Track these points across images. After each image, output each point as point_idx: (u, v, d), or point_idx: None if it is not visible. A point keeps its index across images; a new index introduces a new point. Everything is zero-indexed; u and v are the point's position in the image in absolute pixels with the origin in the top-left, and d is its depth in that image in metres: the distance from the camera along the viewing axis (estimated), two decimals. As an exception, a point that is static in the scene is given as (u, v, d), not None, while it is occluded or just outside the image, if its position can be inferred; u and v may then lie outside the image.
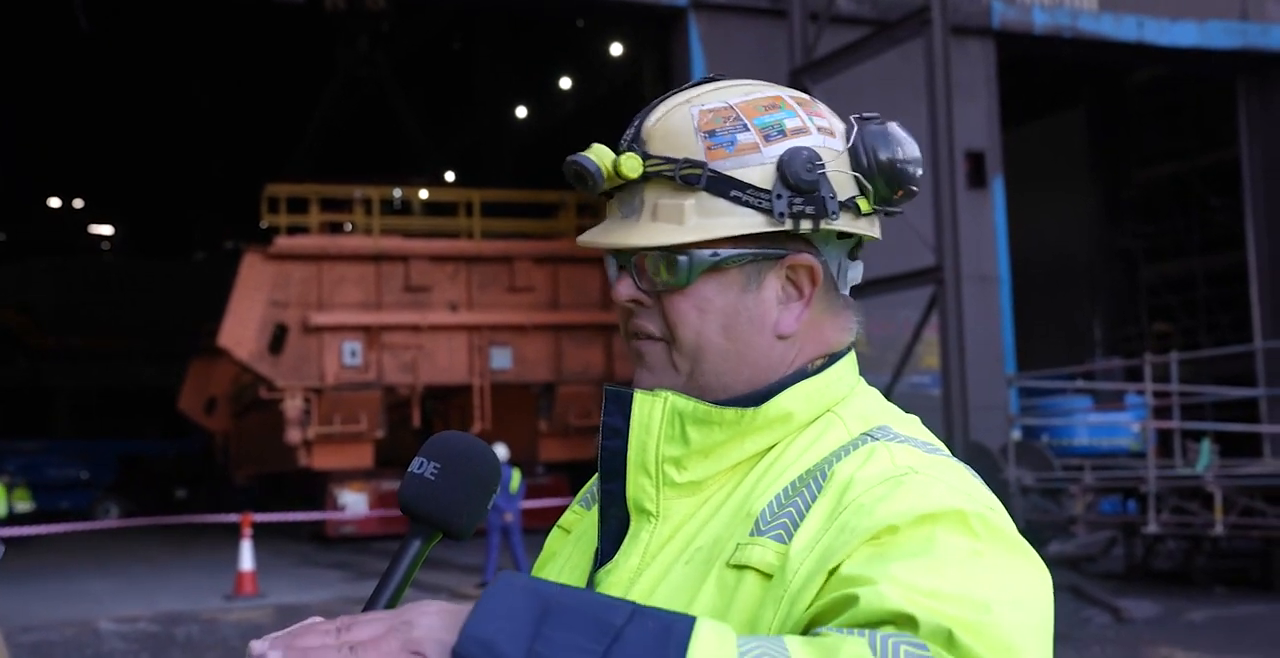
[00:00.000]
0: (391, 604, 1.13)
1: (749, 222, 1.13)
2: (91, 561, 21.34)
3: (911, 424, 1.18)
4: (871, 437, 1.12)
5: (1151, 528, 12.84)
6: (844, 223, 1.15)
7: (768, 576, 1.04)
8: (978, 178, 17.74)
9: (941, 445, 1.15)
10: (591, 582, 1.16)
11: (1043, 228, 24.70)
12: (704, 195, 1.13)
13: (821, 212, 1.13)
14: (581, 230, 27.67)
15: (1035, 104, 25.10)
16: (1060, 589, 10.81)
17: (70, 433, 41.90)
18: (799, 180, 1.12)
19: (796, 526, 1.05)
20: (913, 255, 12.13)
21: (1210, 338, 23.68)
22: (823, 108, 1.19)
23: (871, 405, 1.19)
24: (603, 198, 1.22)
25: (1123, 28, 18.71)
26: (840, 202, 1.14)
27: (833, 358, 1.19)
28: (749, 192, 1.13)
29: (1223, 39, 19.17)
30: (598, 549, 1.20)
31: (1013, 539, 1.03)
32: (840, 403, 1.17)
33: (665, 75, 19.76)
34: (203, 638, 11.75)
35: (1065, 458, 15.82)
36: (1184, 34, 18.97)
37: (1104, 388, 17.52)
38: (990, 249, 17.56)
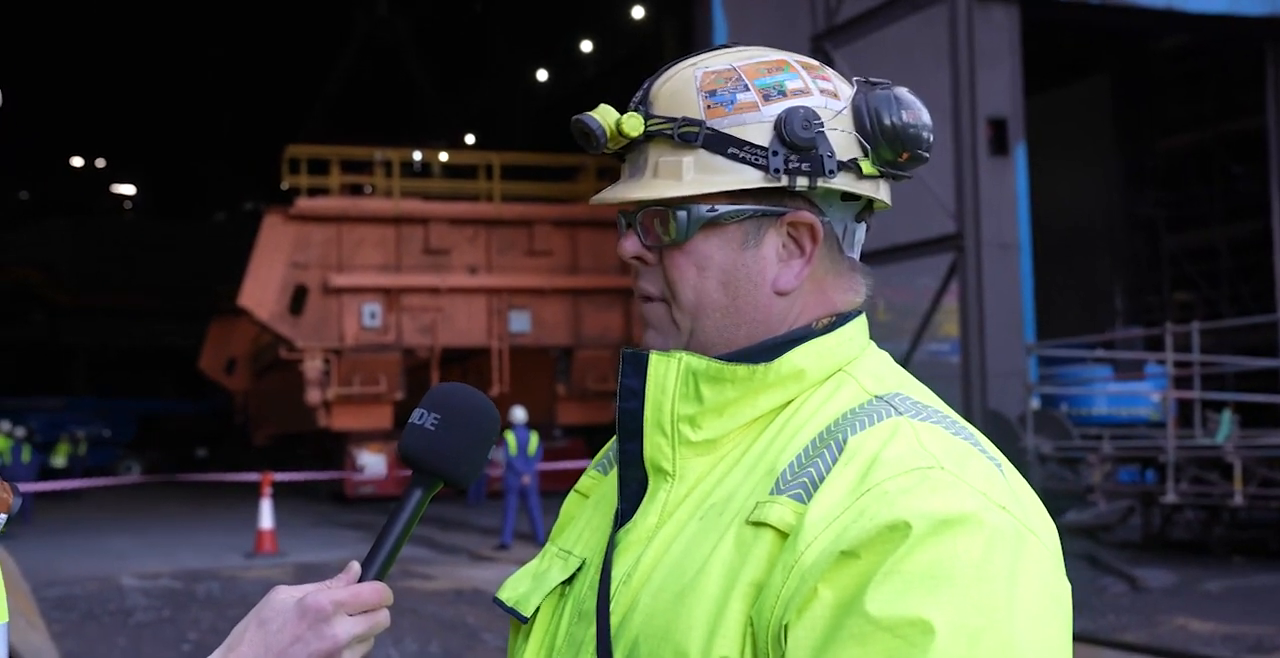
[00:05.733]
0: (394, 551, 1.15)
1: (746, 178, 1.14)
2: (114, 517, 21.57)
3: (924, 392, 1.18)
4: (892, 406, 1.12)
5: (1170, 498, 12.83)
6: (843, 182, 1.16)
7: (784, 535, 1.05)
8: (999, 145, 17.57)
9: (959, 418, 1.15)
10: (612, 542, 1.18)
11: (1064, 195, 24.52)
12: (702, 153, 1.15)
13: (818, 169, 1.14)
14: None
15: (1059, 71, 24.86)
16: (1077, 558, 10.77)
17: (90, 391, 42.21)
18: (795, 138, 1.13)
19: (815, 487, 1.06)
20: (933, 223, 12.09)
21: (1232, 308, 23.53)
22: (830, 72, 1.20)
23: (883, 366, 1.20)
24: (617, 160, 1.24)
25: (1151, -7, 18.48)
26: (840, 161, 1.15)
27: (842, 318, 1.20)
28: (746, 148, 1.14)
29: (1252, 5, 18.92)
30: (618, 510, 1.21)
31: (1026, 538, 1.04)
32: (851, 363, 1.18)
33: (686, 39, 19.65)
34: (223, 595, 11.88)
35: (1084, 427, 15.79)
36: (1213, 0, 18.74)
37: (1124, 357, 17.44)
38: (1011, 217, 17.41)
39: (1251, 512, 13.60)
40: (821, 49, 13.54)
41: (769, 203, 1.16)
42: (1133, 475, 15.06)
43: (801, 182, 1.14)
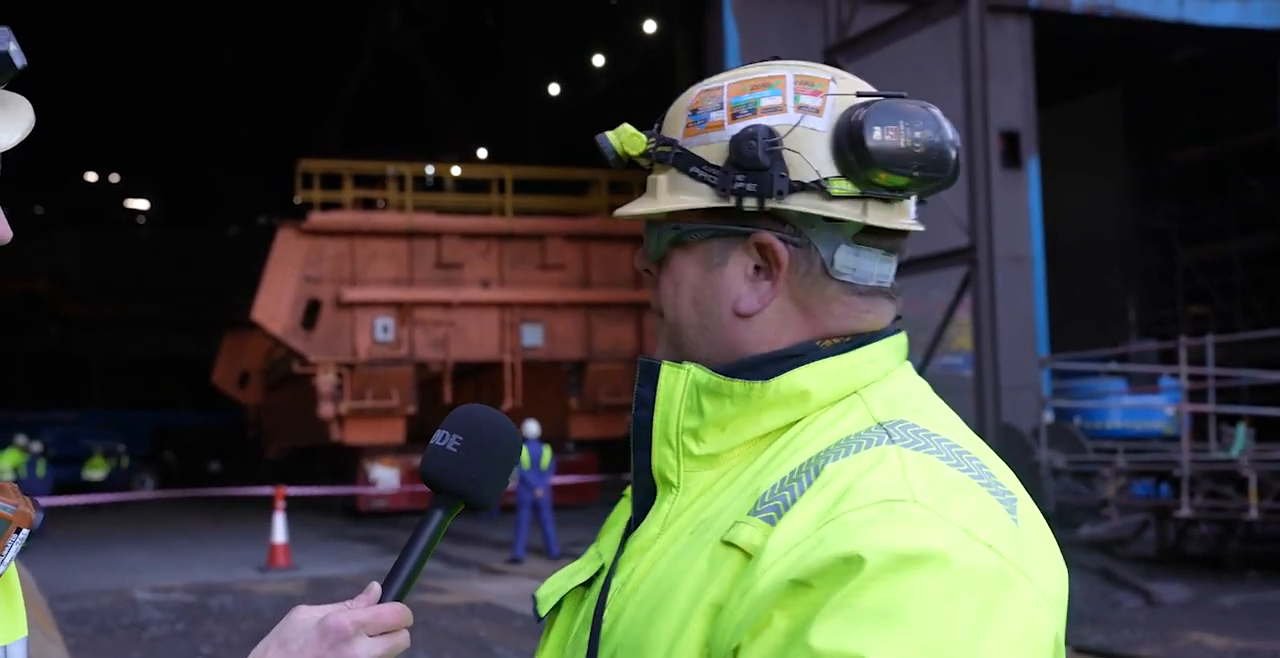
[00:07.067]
0: (415, 572, 1.16)
1: (702, 198, 1.15)
2: (128, 531, 21.60)
3: (941, 420, 1.12)
4: (888, 433, 1.07)
5: (1184, 512, 12.77)
6: (803, 203, 1.12)
7: (749, 556, 1.03)
8: (1013, 158, 17.61)
9: (980, 450, 1.10)
10: (621, 549, 1.19)
11: (1078, 208, 24.49)
12: (673, 171, 1.17)
13: (766, 190, 1.11)
14: (613, 208, 27.66)
15: (1071, 83, 24.86)
16: (1091, 572, 10.70)
17: (103, 403, 42.32)
18: (742, 158, 1.11)
19: (785, 512, 1.04)
20: (945, 236, 12.07)
21: (1247, 321, 23.46)
22: (839, 87, 1.14)
23: (901, 392, 1.15)
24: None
25: (1163, 6, 18.50)
26: (798, 182, 1.11)
27: (863, 339, 1.16)
28: (705, 168, 1.14)
29: (1264, 18, 18.92)
30: (630, 518, 1.22)
31: (1012, 582, 0.98)
32: (869, 386, 1.14)
33: (698, 53, 19.68)
34: (236, 609, 11.89)
35: (1098, 441, 15.74)
36: (1225, 12, 18.74)
37: (1138, 371, 17.39)
38: (1024, 230, 17.45)
39: (1267, 526, 13.54)
40: (833, 62, 13.55)
41: (733, 223, 1.14)
42: (1147, 489, 15.00)
43: (749, 202, 1.12)
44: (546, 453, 16.14)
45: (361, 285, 22.40)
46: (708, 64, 18.00)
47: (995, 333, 12.10)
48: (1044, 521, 1.09)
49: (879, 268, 1.17)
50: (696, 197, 1.15)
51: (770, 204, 1.12)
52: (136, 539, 19.95)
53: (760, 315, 1.15)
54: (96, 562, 16.57)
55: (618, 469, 24.46)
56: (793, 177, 1.12)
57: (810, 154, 1.12)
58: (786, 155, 1.12)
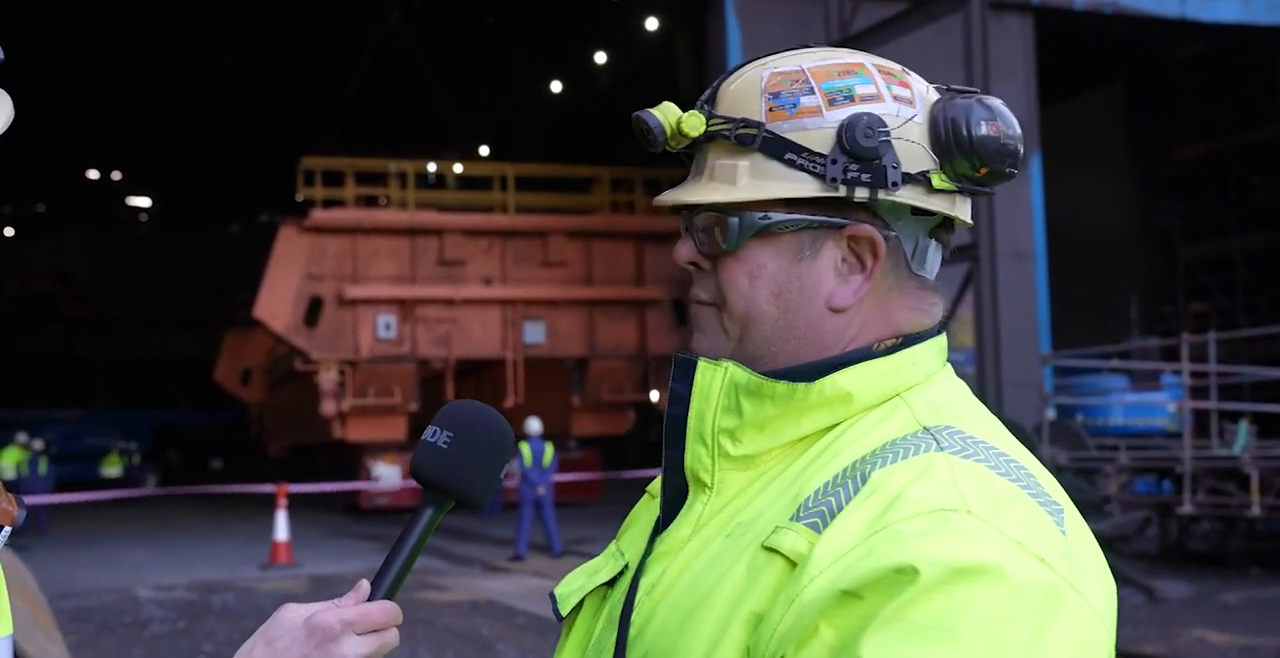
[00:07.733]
0: (404, 570, 1.14)
1: (801, 186, 1.09)
2: (129, 529, 21.62)
3: (988, 427, 1.10)
4: (935, 439, 1.05)
5: (1186, 509, 12.77)
6: (910, 195, 1.09)
7: (793, 564, 1.00)
8: (1015, 155, 17.57)
9: (1026, 458, 1.07)
10: (648, 549, 1.15)
11: (1080, 206, 24.47)
12: (758, 157, 1.10)
13: (880, 181, 1.08)
14: (616, 205, 27.44)
15: (1073, 80, 24.82)
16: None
17: (105, 402, 42.39)
18: (856, 146, 1.07)
19: (830, 519, 1.01)
20: (948, 233, 12.07)
21: (1248, 318, 23.44)
22: (913, 79, 1.14)
23: (946, 395, 1.12)
24: (686, 160, 1.19)
25: (1164, 3, 18.47)
26: (906, 173, 1.09)
27: (909, 340, 1.13)
28: (804, 155, 1.09)
29: (1266, 14, 18.90)
30: (658, 517, 1.18)
31: (1065, 596, 0.96)
32: (912, 389, 1.11)
33: (699, 50, 19.69)
34: (239, 606, 11.90)
35: (1100, 438, 15.73)
36: (1227, 9, 18.71)
37: (1140, 367, 17.38)
38: (1026, 227, 17.43)
39: (1269, 522, 13.53)
40: (835, 60, 13.55)
41: (828, 213, 1.10)
42: (1149, 486, 15.00)
43: (861, 192, 1.08)
44: (549, 450, 16.15)
45: (363, 283, 22.41)
46: (709, 62, 17.99)
47: (997, 330, 12.11)
48: (1090, 532, 1.07)
49: (938, 261, 1.17)
50: (794, 184, 1.09)
51: (882, 195, 1.08)
52: (138, 537, 19.96)
53: (850, 311, 1.12)
54: (98, 560, 16.59)
55: (619, 467, 24.47)
56: (903, 168, 1.09)
57: (915, 146, 1.10)
58: (897, 146, 1.09)
